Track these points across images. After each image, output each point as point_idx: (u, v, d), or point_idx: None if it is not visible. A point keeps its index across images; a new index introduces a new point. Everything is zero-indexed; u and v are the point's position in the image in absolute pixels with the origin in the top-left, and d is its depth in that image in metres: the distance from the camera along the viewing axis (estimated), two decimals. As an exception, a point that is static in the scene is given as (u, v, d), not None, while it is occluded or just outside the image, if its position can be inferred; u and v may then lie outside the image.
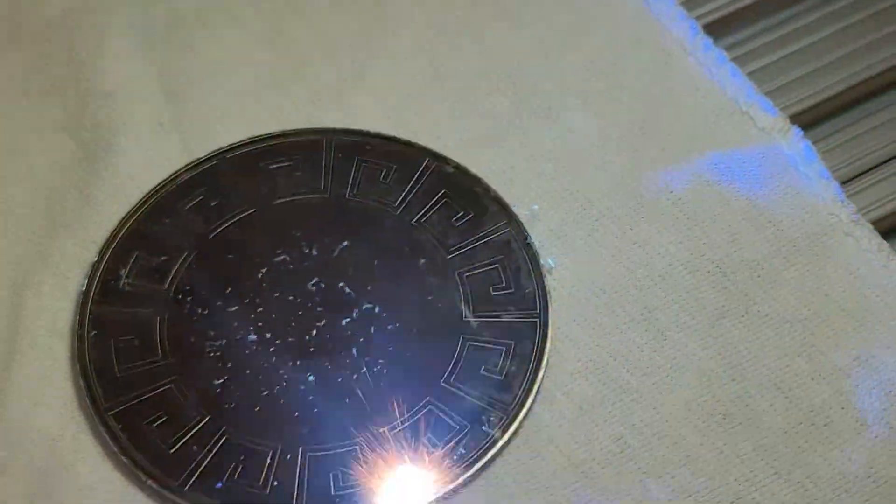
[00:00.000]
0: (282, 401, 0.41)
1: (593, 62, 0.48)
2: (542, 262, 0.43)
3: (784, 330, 0.42)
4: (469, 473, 0.39)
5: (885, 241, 0.43)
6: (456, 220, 0.44)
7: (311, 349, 0.42)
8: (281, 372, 0.41)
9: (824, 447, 0.39)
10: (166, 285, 0.43)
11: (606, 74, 0.48)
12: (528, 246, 0.43)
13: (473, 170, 0.45)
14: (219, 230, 0.44)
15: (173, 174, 0.46)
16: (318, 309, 0.42)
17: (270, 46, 0.49)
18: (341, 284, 0.43)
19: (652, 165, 0.45)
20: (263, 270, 0.43)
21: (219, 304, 0.43)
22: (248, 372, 0.41)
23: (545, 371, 0.41)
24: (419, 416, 0.40)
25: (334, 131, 0.46)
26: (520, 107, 0.47)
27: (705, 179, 0.45)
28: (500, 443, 0.40)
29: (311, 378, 0.41)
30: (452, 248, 0.44)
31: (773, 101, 0.46)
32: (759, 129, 0.46)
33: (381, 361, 0.41)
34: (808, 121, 0.47)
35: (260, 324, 0.42)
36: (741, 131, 0.46)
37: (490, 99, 0.47)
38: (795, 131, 0.46)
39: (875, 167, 0.46)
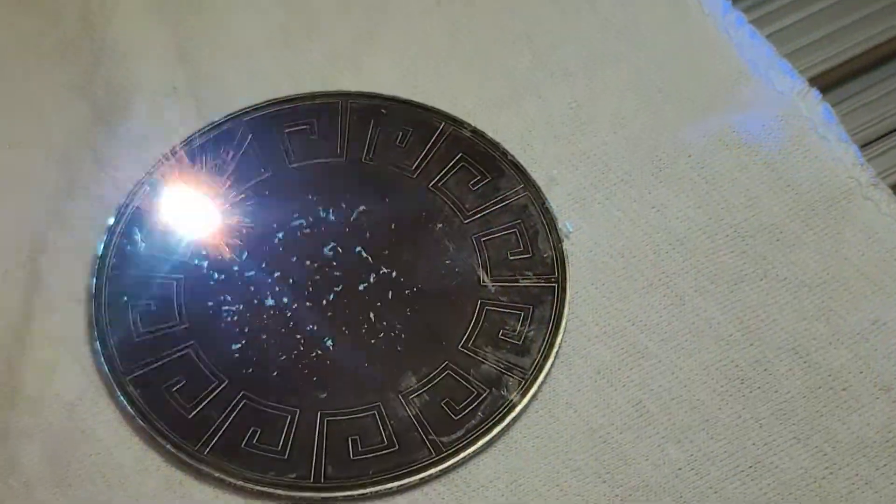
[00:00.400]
0: (300, 365, 0.41)
1: (610, 24, 0.48)
2: (559, 226, 0.43)
3: (802, 294, 0.42)
4: (488, 438, 0.39)
5: (904, 205, 0.43)
6: (473, 184, 0.44)
7: (329, 314, 0.42)
8: (298, 337, 0.41)
9: (843, 411, 0.39)
10: (182, 249, 0.43)
11: (624, 37, 0.47)
12: (546, 210, 0.43)
13: (490, 133, 0.45)
14: (234, 194, 0.44)
15: (187, 137, 0.45)
16: (336, 273, 0.42)
17: (284, 7, 0.49)
18: (358, 249, 0.43)
19: (670, 129, 0.45)
20: (280, 235, 0.43)
21: (235, 268, 0.43)
22: (265, 336, 0.41)
23: (563, 335, 0.41)
24: (437, 380, 0.40)
25: (350, 94, 0.46)
26: (537, 69, 0.47)
27: (724, 143, 0.44)
28: (519, 407, 0.40)
29: (329, 343, 0.41)
30: (469, 213, 0.43)
31: (791, 63, 0.46)
32: (777, 91, 0.45)
33: (398, 326, 0.41)
34: (828, 83, 0.47)
35: (277, 288, 0.42)
36: (760, 94, 0.45)
37: (507, 61, 0.47)
38: (814, 94, 0.45)
39: (895, 130, 0.46)
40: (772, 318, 0.41)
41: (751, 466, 0.39)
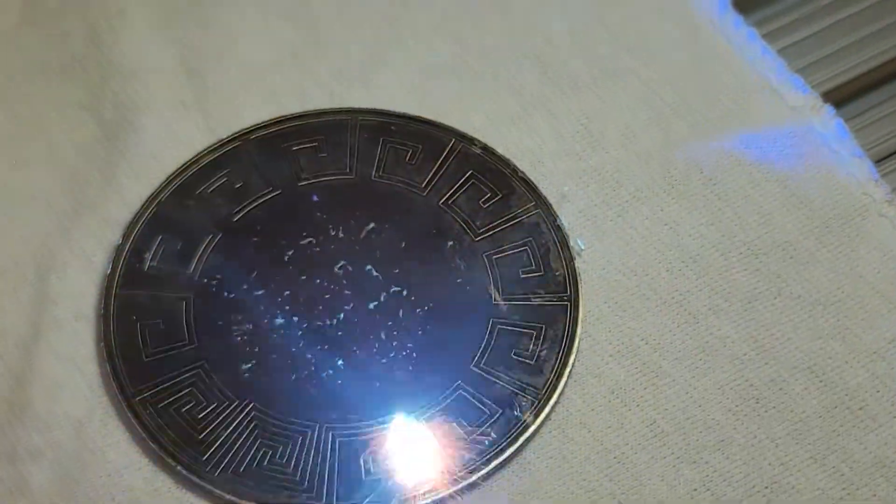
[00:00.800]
0: (310, 385, 0.40)
1: (620, 39, 0.47)
2: (571, 243, 0.43)
3: (817, 312, 0.41)
4: (501, 459, 0.39)
5: (920, 222, 0.43)
6: (483, 201, 0.44)
7: (340, 333, 0.41)
8: (309, 356, 0.41)
9: (860, 431, 0.39)
10: (191, 269, 0.43)
11: (634, 52, 0.47)
12: (558, 227, 0.43)
13: (501, 150, 0.45)
14: (243, 213, 0.44)
15: (196, 155, 0.45)
16: (346, 292, 0.42)
17: (293, 24, 0.49)
18: (368, 267, 0.42)
19: (682, 145, 0.45)
20: (290, 253, 0.43)
21: (245, 287, 0.42)
22: (275, 356, 0.41)
23: (577, 355, 0.41)
24: (449, 400, 0.40)
25: (359, 111, 0.46)
26: (546, 85, 0.46)
27: (736, 159, 0.44)
28: (532, 428, 0.39)
29: (340, 362, 0.41)
30: (480, 230, 0.43)
31: (804, 78, 0.46)
32: (790, 107, 0.45)
33: (409, 345, 0.41)
34: (841, 98, 0.47)
35: (287, 307, 0.42)
36: (772, 110, 0.45)
37: (517, 76, 0.47)
38: (828, 109, 0.45)
39: (910, 145, 0.46)
40: (786, 336, 0.41)
41: (767, 487, 0.38)
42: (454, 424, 0.39)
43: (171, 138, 0.46)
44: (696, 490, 0.38)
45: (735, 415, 0.40)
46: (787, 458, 0.39)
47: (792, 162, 0.44)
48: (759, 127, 0.45)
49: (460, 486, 0.38)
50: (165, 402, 0.40)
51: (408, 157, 0.45)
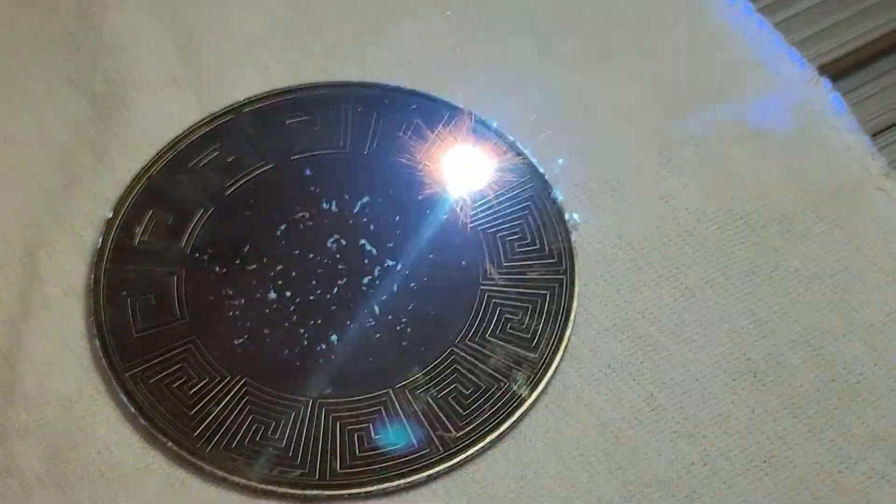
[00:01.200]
0: (303, 360, 0.40)
1: (616, 14, 0.47)
2: (567, 217, 0.42)
3: (815, 286, 0.41)
4: (496, 434, 0.38)
5: (916, 195, 0.42)
6: (479, 175, 0.43)
7: (333, 307, 0.41)
8: (302, 331, 0.40)
9: (857, 405, 0.39)
10: (183, 243, 0.42)
11: (630, 26, 0.47)
12: (553, 201, 0.43)
13: (495, 124, 0.44)
14: (235, 187, 0.43)
15: (187, 130, 0.44)
16: (339, 267, 0.42)
17: (285, -2, 0.48)
18: (362, 242, 0.42)
19: (678, 119, 0.44)
20: (282, 228, 0.42)
21: (237, 262, 0.42)
22: (268, 331, 0.40)
23: (572, 328, 0.40)
24: (444, 374, 0.39)
25: (352, 84, 0.45)
26: (543, 59, 0.46)
27: (733, 133, 0.44)
28: (528, 402, 0.39)
29: (334, 337, 0.40)
30: (476, 204, 0.43)
31: (801, 52, 0.46)
32: (787, 81, 0.45)
33: (404, 320, 0.40)
34: (838, 72, 0.46)
35: (280, 282, 0.41)
36: (769, 84, 0.45)
37: (513, 51, 0.46)
38: (824, 83, 0.45)
39: (907, 119, 0.46)
40: (784, 310, 0.41)
41: (765, 461, 0.38)
42: (449, 399, 0.39)
43: (162, 114, 0.45)
44: (693, 464, 0.38)
45: (732, 389, 0.39)
46: (784, 433, 0.38)
47: (789, 136, 0.44)
48: (755, 101, 0.44)
49: (455, 460, 0.38)
50: (156, 377, 0.40)
51: (401, 131, 0.44)
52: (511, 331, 0.40)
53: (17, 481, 0.38)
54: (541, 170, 0.43)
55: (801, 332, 0.40)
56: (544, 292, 0.41)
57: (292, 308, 0.41)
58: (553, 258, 0.42)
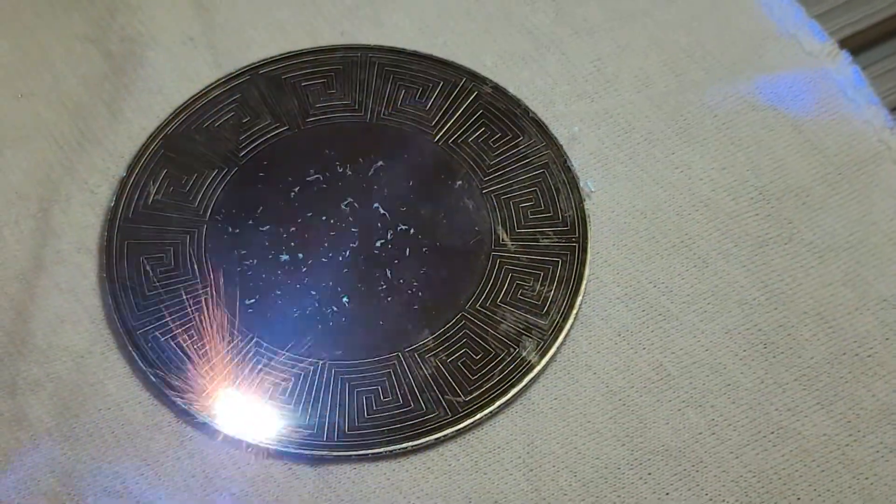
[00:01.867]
0: (314, 322, 0.40)
1: (637, -20, 0.47)
2: (581, 185, 0.42)
3: (828, 258, 0.41)
4: (505, 399, 0.38)
5: (934, 170, 0.42)
6: (493, 141, 0.43)
7: (345, 270, 0.41)
8: (313, 293, 0.40)
9: (868, 378, 0.39)
10: (196, 203, 0.42)
11: (650, -7, 0.46)
12: (568, 168, 0.42)
13: (512, 90, 0.44)
14: (250, 148, 0.43)
15: (203, 89, 0.44)
16: (352, 230, 0.42)
17: (304, -41, 0.48)
18: (375, 205, 0.42)
19: (696, 88, 0.44)
20: (296, 190, 0.42)
21: (250, 223, 0.42)
22: (279, 292, 0.40)
23: (583, 296, 0.40)
24: (454, 339, 0.39)
25: (369, 48, 0.45)
26: (560, 25, 0.46)
27: (751, 104, 0.44)
28: (537, 368, 0.39)
29: (345, 299, 0.40)
30: (489, 170, 0.43)
31: (821, 24, 0.45)
32: (806, 53, 0.44)
33: (415, 284, 0.40)
34: (858, 45, 0.46)
35: (292, 244, 0.41)
36: (788, 55, 0.45)
37: (530, 17, 0.46)
38: (844, 56, 0.44)
39: (926, 94, 0.45)
40: (797, 282, 0.40)
41: (773, 432, 0.38)
42: (458, 363, 0.39)
43: (178, 73, 0.45)
44: (700, 434, 0.38)
45: (742, 359, 0.39)
46: (793, 404, 0.38)
47: (807, 108, 0.43)
48: (774, 72, 0.44)
49: (463, 424, 0.38)
50: (167, 336, 0.40)
51: (418, 96, 0.44)
52: (522, 297, 0.40)
53: (26, 434, 0.38)
54: (556, 137, 0.43)
55: (813, 304, 0.40)
56: (556, 259, 0.41)
57: (304, 270, 0.41)
58: (566, 225, 0.41)
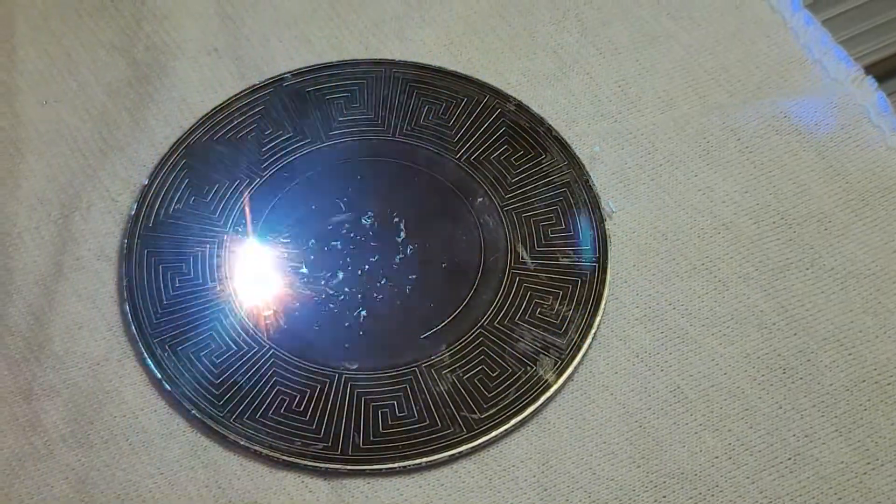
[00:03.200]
0: (332, 335, 0.40)
1: (663, 3, 0.47)
2: (602, 204, 0.42)
3: (850, 285, 0.40)
4: (521, 417, 0.38)
5: (957, 199, 0.42)
6: (515, 158, 0.43)
7: (364, 284, 0.41)
8: (332, 306, 0.40)
9: (887, 406, 0.39)
10: (217, 213, 0.42)
11: (676, 16, 0.46)
12: (589, 188, 0.42)
13: (535, 108, 0.44)
14: (272, 160, 0.43)
15: (227, 100, 0.45)
16: (372, 244, 0.42)
17: (330, -27, 0.48)
18: (396, 220, 0.42)
19: (720, 111, 0.44)
20: (317, 202, 0.42)
21: (270, 235, 0.42)
22: (298, 304, 0.40)
23: (602, 317, 0.40)
24: (471, 355, 0.39)
25: (394, 63, 0.45)
26: (585, 46, 0.46)
27: (774, 128, 0.43)
28: (554, 387, 0.39)
29: (363, 313, 0.40)
30: (510, 188, 0.42)
31: (847, 50, 0.45)
32: (832, 78, 0.44)
33: (433, 299, 0.40)
34: (884, 71, 0.46)
35: (312, 257, 0.41)
36: (813, 80, 0.44)
37: (555, 36, 0.46)
38: (870, 82, 0.44)
39: (951, 122, 0.45)
40: (817, 308, 0.40)
41: (790, 458, 0.38)
42: (475, 380, 0.39)
43: (203, 83, 0.45)
44: (717, 458, 0.38)
45: (761, 384, 0.39)
46: (811, 430, 0.38)
47: (831, 133, 0.43)
48: (799, 97, 0.44)
49: (478, 441, 0.38)
50: (184, 345, 0.40)
51: (441, 112, 0.44)
52: (540, 315, 0.40)
53: (41, 439, 0.38)
54: (578, 156, 0.43)
55: (833, 330, 0.40)
56: (576, 279, 0.41)
57: (323, 283, 0.41)
58: (586, 245, 0.41)
